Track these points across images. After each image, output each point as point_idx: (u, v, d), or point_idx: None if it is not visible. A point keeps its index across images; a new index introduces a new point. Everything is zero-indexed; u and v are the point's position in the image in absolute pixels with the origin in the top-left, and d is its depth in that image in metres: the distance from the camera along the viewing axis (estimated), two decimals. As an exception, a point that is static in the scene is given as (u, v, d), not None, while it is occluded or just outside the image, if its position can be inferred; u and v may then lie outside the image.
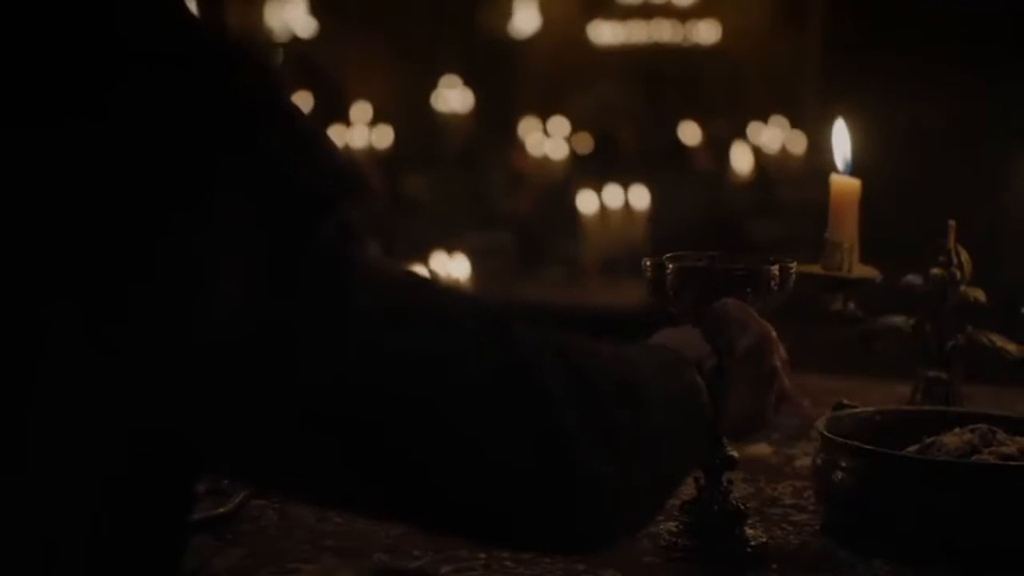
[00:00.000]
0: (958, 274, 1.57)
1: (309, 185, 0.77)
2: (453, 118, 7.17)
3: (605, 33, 7.77)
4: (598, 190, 5.98)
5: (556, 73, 7.66)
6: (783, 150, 6.60)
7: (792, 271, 1.19)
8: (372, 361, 0.77)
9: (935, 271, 1.58)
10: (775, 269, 1.18)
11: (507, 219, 6.44)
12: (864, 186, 1.58)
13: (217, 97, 0.74)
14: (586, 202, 6.01)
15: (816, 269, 1.59)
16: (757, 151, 6.59)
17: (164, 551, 0.79)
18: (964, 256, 1.58)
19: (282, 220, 0.75)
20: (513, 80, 7.81)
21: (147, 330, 0.71)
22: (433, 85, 7.20)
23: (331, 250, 0.77)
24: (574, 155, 6.81)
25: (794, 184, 6.21)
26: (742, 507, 1.23)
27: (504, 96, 7.52)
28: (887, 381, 1.77)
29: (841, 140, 1.60)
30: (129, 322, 0.71)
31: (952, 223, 1.58)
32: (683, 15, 7.62)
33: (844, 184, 1.59)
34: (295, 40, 7.07)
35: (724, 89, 7.30)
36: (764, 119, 6.77)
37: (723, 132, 6.71)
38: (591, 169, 6.46)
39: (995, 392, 1.71)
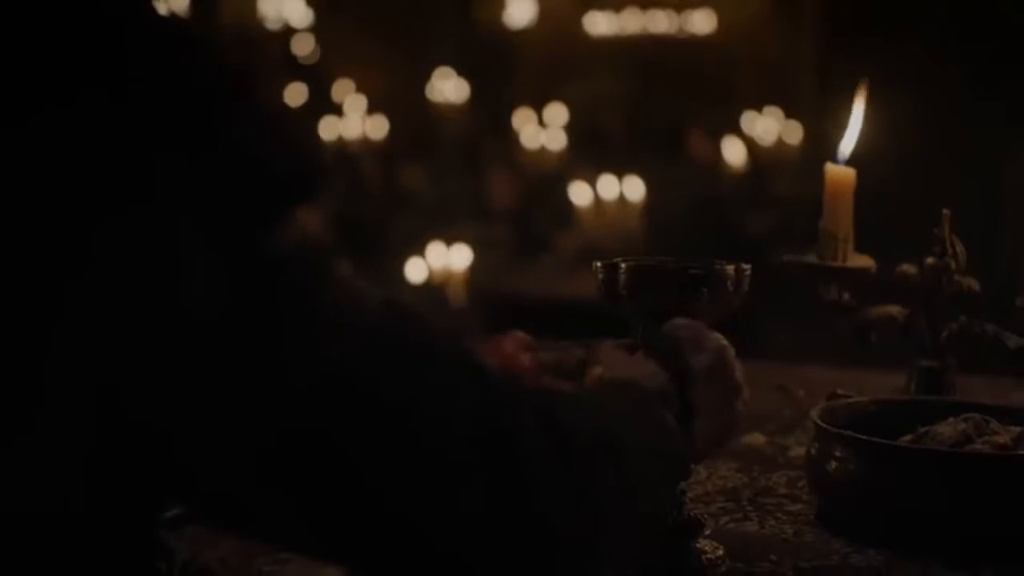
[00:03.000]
0: (952, 264, 1.57)
1: (269, 184, 0.74)
2: (448, 109, 7.15)
3: (600, 24, 7.75)
4: (592, 181, 5.98)
5: (551, 64, 7.64)
6: (779, 140, 6.59)
7: (747, 272, 1.15)
8: (336, 400, 0.74)
9: (929, 261, 1.58)
10: (731, 269, 1.14)
11: (500, 211, 6.44)
12: (859, 175, 1.58)
13: (175, 88, 0.72)
14: (580, 193, 6.02)
15: (811, 259, 1.59)
16: (752, 141, 6.58)
17: (138, 539, 0.78)
18: (959, 246, 1.58)
19: (238, 220, 0.72)
20: (508, 71, 7.80)
21: (96, 326, 0.69)
22: (428, 76, 7.18)
23: (289, 270, 0.74)
24: (569, 146, 6.81)
25: (789, 174, 6.21)
26: (699, 518, 1.17)
27: (499, 87, 7.51)
28: (881, 371, 1.77)
29: (854, 128, 1.59)
30: (78, 317, 0.69)
31: (947, 212, 1.58)
32: (678, 5, 7.61)
33: (839, 174, 1.58)
34: (289, 30, 7.05)
35: (719, 79, 7.29)
36: (759, 109, 6.77)
37: (719, 122, 6.70)
38: (583, 160, 6.46)
39: (989, 382, 1.71)
